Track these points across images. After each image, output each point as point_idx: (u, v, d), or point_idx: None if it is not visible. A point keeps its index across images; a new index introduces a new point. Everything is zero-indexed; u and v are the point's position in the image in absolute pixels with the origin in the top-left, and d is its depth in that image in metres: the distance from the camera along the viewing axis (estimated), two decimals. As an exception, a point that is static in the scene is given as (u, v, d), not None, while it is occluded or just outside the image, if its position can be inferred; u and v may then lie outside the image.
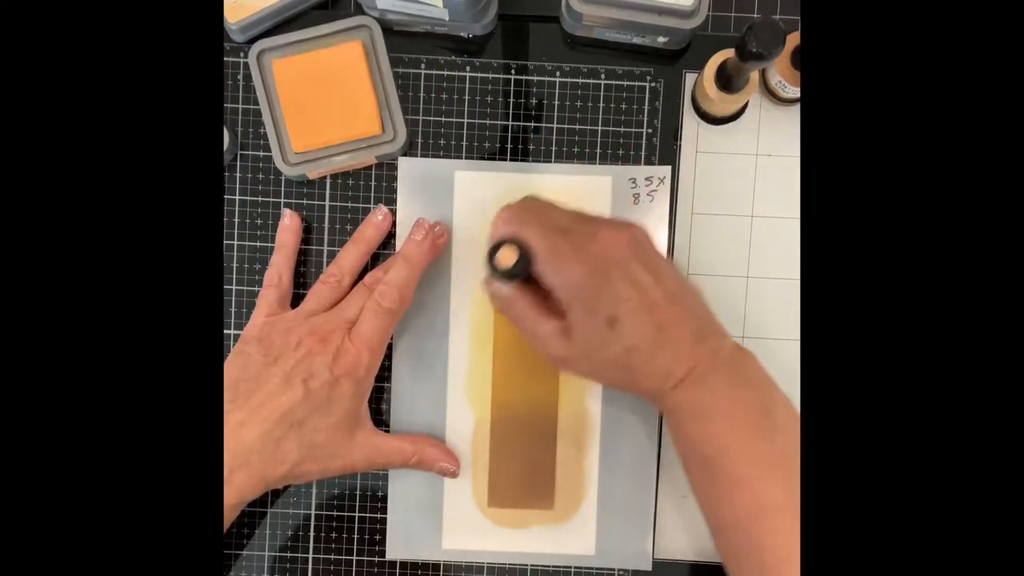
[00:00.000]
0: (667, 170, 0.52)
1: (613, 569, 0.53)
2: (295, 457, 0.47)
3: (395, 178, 0.53)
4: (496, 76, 0.53)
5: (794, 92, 0.51)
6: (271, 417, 0.46)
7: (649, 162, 0.53)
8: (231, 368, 0.48)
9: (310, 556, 0.53)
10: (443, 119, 0.53)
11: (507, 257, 0.44)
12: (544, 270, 0.44)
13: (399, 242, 0.52)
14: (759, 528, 0.42)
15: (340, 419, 0.48)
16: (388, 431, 0.53)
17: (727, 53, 0.48)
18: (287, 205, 0.53)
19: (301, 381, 0.47)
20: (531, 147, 0.53)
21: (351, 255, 0.51)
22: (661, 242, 0.52)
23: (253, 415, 0.46)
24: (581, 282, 0.44)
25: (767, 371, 0.45)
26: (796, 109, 0.52)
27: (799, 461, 0.40)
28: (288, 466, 0.47)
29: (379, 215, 0.51)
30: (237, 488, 0.46)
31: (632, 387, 0.46)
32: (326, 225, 0.53)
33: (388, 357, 0.52)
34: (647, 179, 0.52)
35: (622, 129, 0.53)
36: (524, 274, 0.45)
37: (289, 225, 0.52)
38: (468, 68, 0.53)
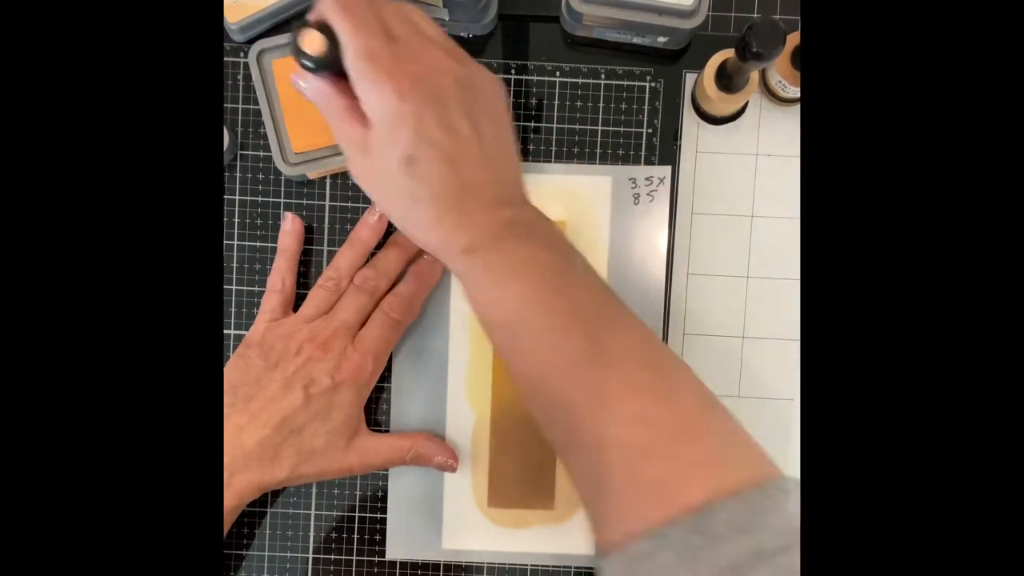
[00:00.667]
0: (667, 170, 0.52)
1: (613, 569, 0.53)
2: (293, 463, 0.47)
3: (395, 178, 0.52)
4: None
5: (794, 92, 0.51)
6: (270, 423, 0.46)
7: (649, 162, 0.53)
8: (231, 371, 0.48)
9: (310, 556, 0.53)
10: (443, 119, 0.53)
11: (310, 42, 0.38)
12: (351, 73, 0.38)
13: (399, 242, 0.52)
14: (566, 384, 0.39)
15: (339, 425, 0.48)
16: (387, 431, 0.52)
17: (727, 53, 0.48)
18: (287, 205, 0.53)
19: (302, 387, 0.47)
20: (531, 147, 0.53)
21: (348, 258, 0.50)
22: (661, 242, 0.52)
23: (252, 420, 0.46)
24: (385, 102, 0.38)
25: (569, 239, 0.42)
26: (796, 109, 0.52)
27: (602, 311, 0.39)
28: (286, 472, 0.47)
29: (373, 216, 0.51)
30: (236, 492, 0.46)
31: (416, 237, 0.42)
32: (326, 225, 0.53)
33: (388, 357, 0.52)
34: (647, 179, 0.52)
35: (622, 129, 0.53)
36: (333, 68, 0.39)
37: (291, 229, 0.51)
38: (468, 68, 0.53)
